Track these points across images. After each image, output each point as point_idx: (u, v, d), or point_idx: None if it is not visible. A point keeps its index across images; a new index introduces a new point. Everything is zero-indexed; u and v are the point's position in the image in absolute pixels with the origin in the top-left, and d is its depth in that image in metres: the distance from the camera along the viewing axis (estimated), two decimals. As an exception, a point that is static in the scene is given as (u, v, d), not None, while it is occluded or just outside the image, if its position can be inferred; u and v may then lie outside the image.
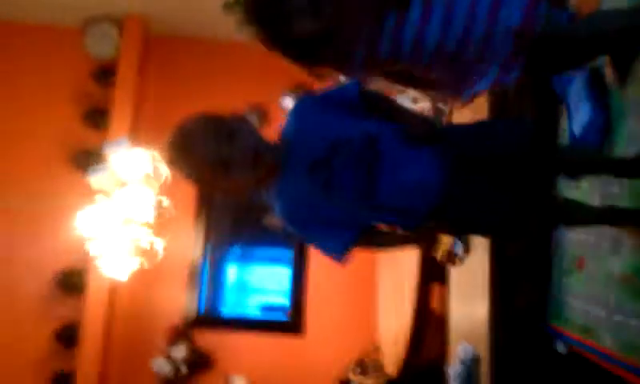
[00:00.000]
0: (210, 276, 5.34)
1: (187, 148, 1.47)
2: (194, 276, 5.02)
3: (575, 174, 1.96)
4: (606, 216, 1.83)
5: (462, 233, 2.51)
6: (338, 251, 1.60)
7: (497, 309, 2.38)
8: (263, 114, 4.97)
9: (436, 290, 3.59)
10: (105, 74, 4.90)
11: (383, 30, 1.60)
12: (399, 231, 1.67)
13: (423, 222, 1.57)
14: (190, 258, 5.01)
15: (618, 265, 1.90)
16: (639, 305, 1.77)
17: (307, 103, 1.67)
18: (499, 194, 1.58)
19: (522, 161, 1.60)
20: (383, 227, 1.67)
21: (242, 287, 6.21)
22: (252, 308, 5.95)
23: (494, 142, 1.61)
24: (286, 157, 1.56)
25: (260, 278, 6.25)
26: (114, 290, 4.61)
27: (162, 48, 5.14)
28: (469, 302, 2.67)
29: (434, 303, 3.70)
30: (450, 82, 1.68)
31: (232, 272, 6.13)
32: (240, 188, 1.56)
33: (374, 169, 1.53)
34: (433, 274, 3.30)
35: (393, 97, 1.90)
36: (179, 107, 4.72)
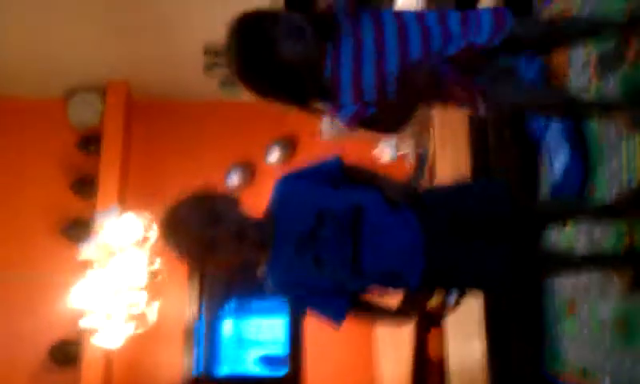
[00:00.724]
0: (207, 333, 5.30)
1: (176, 229, 1.57)
2: (191, 335, 4.98)
3: (558, 223, 1.99)
4: (592, 262, 1.85)
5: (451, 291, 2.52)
6: (335, 319, 1.63)
7: (494, 356, 2.39)
8: (250, 170, 5.00)
9: (434, 335, 3.59)
10: (90, 142, 4.92)
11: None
12: (390, 295, 1.69)
13: (411, 286, 1.60)
14: (185, 318, 4.97)
15: (607, 309, 1.92)
16: (632, 348, 1.79)
17: (291, 179, 1.70)
18: (483, 254, 1.60)
19: (503, 220, 1.63)
20: (375, 292, 1.70)
21: (240, 341, 6.17)
22: (250, 363, 5.90)
23: (473, 203, 1.65)
24: (274, 232, 1.59)
25: (257, 331, 6.21)
26: (109, 358, 4.56)
27: (146, 112, 5.17)
28: (466, 349, 2.68)
29: (433, 348, 3.68)
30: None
31: (228, 327, 6.09)
32: (228, 264, 1.61)
33: (359, 238, 1.55)
34: (430, 319, 3.30)
35: (373, 166, 1.89)
36: (166, 170, 4.86)
